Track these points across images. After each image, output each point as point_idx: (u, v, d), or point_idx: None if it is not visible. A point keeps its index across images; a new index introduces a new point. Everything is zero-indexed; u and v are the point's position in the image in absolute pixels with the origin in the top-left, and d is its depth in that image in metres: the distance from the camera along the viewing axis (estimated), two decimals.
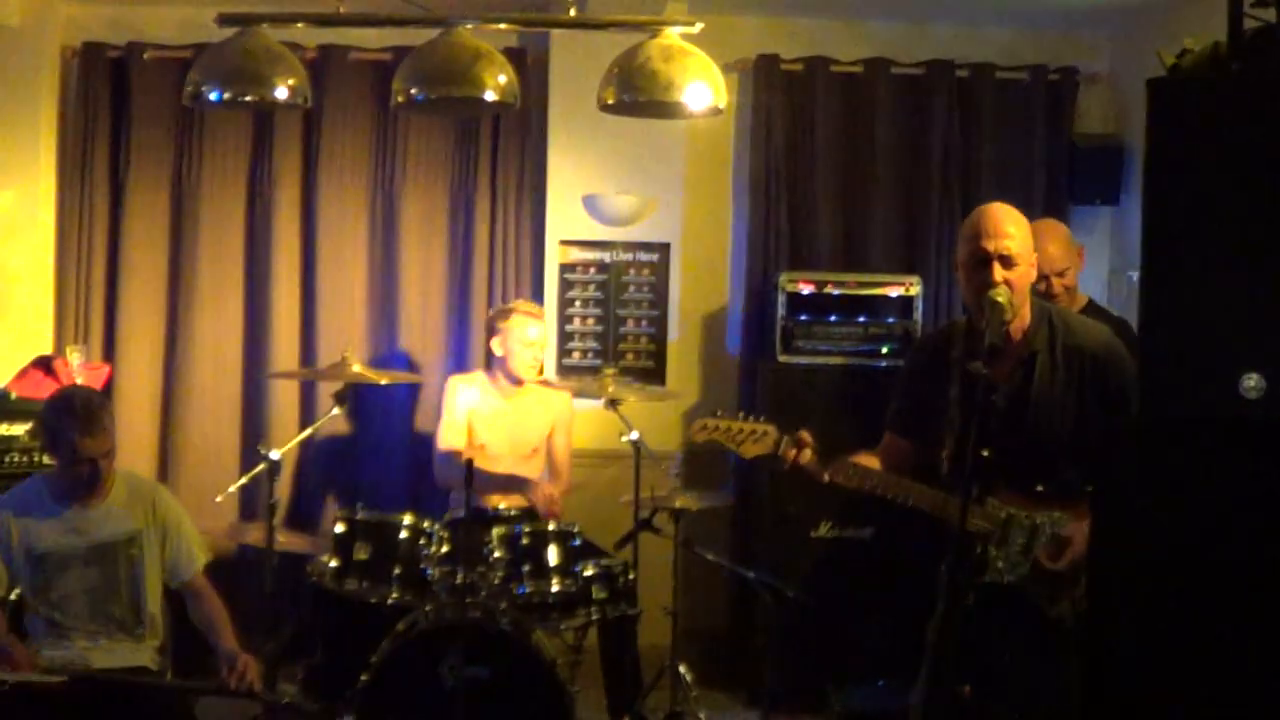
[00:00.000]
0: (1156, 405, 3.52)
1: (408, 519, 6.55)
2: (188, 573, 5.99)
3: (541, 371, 7.89)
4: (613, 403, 7.26)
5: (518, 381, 7.69)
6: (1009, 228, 5.07)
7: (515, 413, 7.76)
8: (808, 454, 5.21)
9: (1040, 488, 5.03)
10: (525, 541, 6.56)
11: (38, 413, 5.85)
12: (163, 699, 5.60)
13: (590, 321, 8.92)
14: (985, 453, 4.64)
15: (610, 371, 7.36)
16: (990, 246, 5.02)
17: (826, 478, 5.20)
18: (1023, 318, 5.13)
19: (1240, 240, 3.39)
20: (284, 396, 8.72)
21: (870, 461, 5.30)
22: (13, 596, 5.84)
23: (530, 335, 7.63)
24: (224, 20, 6.67)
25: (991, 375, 4.79)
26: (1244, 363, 3.36)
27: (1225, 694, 3.42)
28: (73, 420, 5.61)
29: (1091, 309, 6.67)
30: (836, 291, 8.17)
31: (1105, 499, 3.69)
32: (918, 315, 8.14)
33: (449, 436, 7.70)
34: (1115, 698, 3.56)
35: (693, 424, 5.45)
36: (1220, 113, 3.47)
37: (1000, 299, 4.95)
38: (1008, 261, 5.02)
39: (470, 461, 6.14)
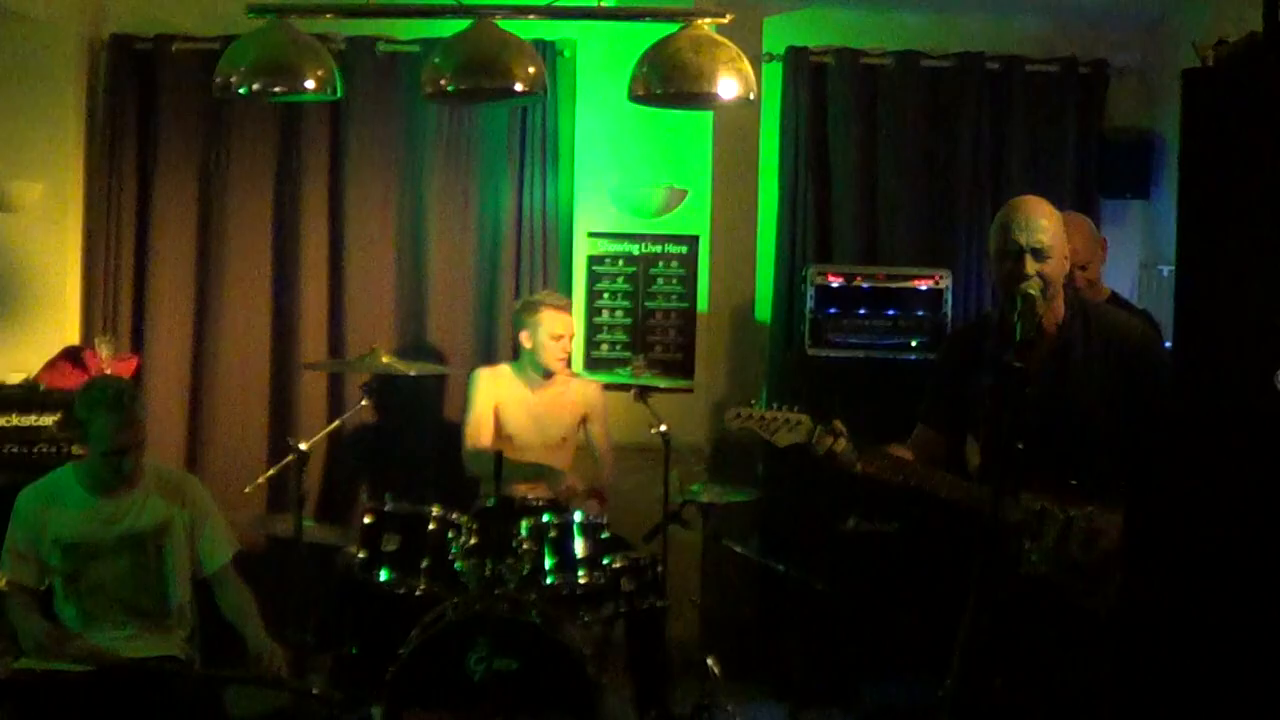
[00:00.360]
0: (1191, 398, 3.51)
1: (436, 510, 6.55)
2: (216, 563, 5.99)
3: (570, 364, 7.89)
4: (641, 395, 7.26)
5: (547, 373, 7.68)
6: (1041, 220, 5.04)
7: (543, 404, 7.75)
8: (842, 443, 5.17)
9: (1074, 481, 5.00)
10: (553, 534, 6.55)
11: (66, 403, 5.85)
12: (190, 688, 5.59)
13: (619, 314, 8.91)
14: (1018, 446, 4.63)
15: (638, 364, 7.34)
16: (1022, 239, 4.99)
17: (860, 467, 5.17)
18: (1055, 311, 5.09)
19: (1276, 232, 3.37)
20: (312, 388, 8.73)
21: (902, 454, 5.28)
22: (42, 587, 5.84)
23: (558, 328, 7.63)
24: (253, 11, 6.68)
25: (1025, 368, 4.78)
26: (1279, 356, 3.35)
27: (1259, 687, 3.41)
28: (104, 410, 5.61)
29: (1114, 302, 6.64)
30: (866, 284, 8.14)
31: (1139, 492, 3.68)
32: (947, 308, 8.12)
33: (474, 431, 7.70)
34: (1149, 691, 3.55)
35: (726, 412, 5.41)
36: (1256, 104, 3.45)
37: (1032, 292, 4.92)
38: (1040, 254, 4.99)
39: (500, 454, 6.13)
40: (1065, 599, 4.93)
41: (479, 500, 7.49)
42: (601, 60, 8.66)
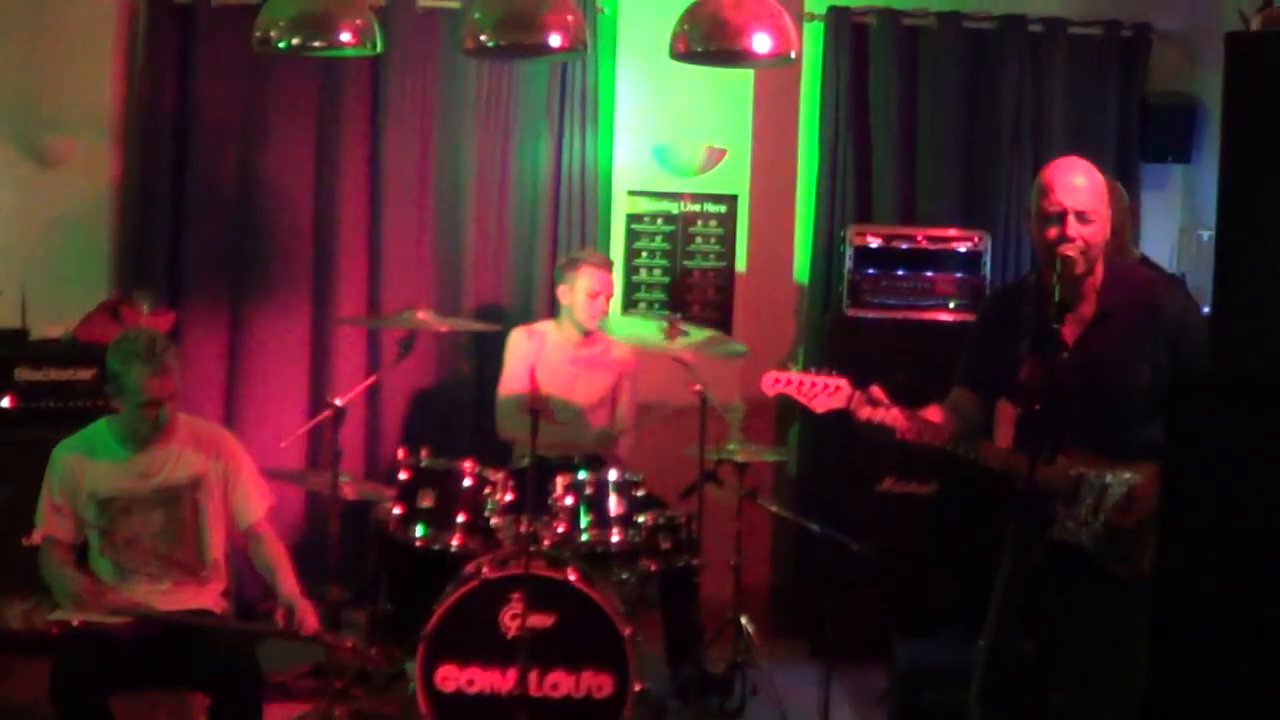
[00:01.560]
0: (1229, 365, 3.48)
1: (472, 467, 6.56)
2: (251, 517, 5.98)
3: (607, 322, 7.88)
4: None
5: (584, 331, 7.66)
6: (1084, 183, 5.01)
7: (581, 362, 7.71)
8: (881, 411, 5.16)
9: (1112, 446, 4.98)
10: (589, 491, 6.57)
11: (103, 357, 5.84)
12: (225, 641, 5.61)
13: (657, 272, 8.91)
14: (1055, 410, 4.61)
15: (676, 323, 7.30)
16: (1065, 201, 4.96)
17: (899, 435, 5.15)
18: (1096, 275, 5.06)
19: None
20: (350, 344, 8.72)
21: (939, 416, 5.25)
22: (79, 541, 5.85)
23: (595, 286, 7.61)
24: None
25: (1062, 332, 4.76)
26: None
27: None
28: (137, 362, 5.60)
29: (1145, 266, 6.60)
30: (904, 245, 8.12)
31: (1176, 458, 3.65)
32: (986, 270, 8.09)
33: (507, 391, 7.68)
34: (1182, 658, 3.54)
35: (763, 377, 5.37)
36: None
37: (1073, 255, 4.90)
38: (1082, 217, 4.96)
39: (536, 411, 6.13)
40: (1100, 565, 4.91)
41: (515, 459, 7.50)
42: (642, 17, 8.63)
